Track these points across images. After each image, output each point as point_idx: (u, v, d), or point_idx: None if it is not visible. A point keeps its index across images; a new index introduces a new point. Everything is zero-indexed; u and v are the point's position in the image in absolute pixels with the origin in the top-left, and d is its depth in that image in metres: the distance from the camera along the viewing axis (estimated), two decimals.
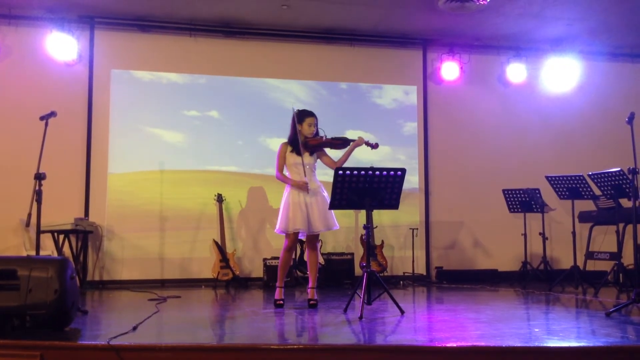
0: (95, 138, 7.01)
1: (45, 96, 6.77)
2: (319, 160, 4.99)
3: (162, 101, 7.27)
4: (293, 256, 6.20)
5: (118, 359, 2.95)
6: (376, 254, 7.01)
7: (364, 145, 4.87)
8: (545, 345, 3.03)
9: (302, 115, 4.92)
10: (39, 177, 4.24)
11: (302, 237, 4.95)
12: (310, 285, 4.89)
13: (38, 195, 4.22)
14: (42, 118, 4.52)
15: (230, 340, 3.48)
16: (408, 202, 7.60)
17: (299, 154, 4.85)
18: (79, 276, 6.41)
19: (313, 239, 4.90)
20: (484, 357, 2.89)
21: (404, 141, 7.80)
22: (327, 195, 4.79)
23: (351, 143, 4.87)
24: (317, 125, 4.93)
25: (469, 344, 3.02)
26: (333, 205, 4.48)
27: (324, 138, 4.88)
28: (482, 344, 3.05)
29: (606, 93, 7.98)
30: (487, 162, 7.84)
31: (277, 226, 4.83)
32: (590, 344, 3.07)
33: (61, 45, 6.78)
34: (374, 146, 4.85)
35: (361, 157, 6.78)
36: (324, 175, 6.74)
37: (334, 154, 5.04)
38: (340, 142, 4.87)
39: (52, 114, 4.57)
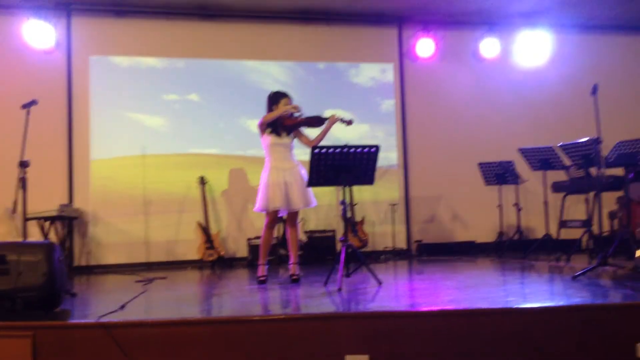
0: (76, 125, 7.08)
1: (24, 84, 6.82)
2: (296, 139, 5.12)
3: (141, 86, 7.34)
4: (275, 234, 6.36)
5: (108, 336, 3.09)
6: (357, 230, 7.19)
7: (339, 122, 5.01)
8: (509, 306, 3.23)
9: (277, 96, 5.05)
10: (23, 164, 4.33)
11: (282, 214, 5.11)
12: (291, 261, 5.07)
13: (23, 182, 4.32)
14: (24, 106, 4.61)
15: (216, 315, 3.63)
16: (387, 178, 7.78)
17: (277, 134, 4.98)
18: (66, 262, 6.51)
19: (293, 217, 5.06)
20: (453, 319, 3.08)
21: (382, 118, 7.95)
22: (305, 173, 4.94)
23: (326, 121, 5.00)
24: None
25: (440, 307, 3.21)
26: (311, 183, 4.65)
27: (299, 118, 5.01)
28: (452, 307, 3.24)
29: (576, 65, 8.15)
30: (463, 136, 8.02)
31: (257, 205, 4.97)
32: (552, 305, 3.27)
33: (38, 33, 6.81)
34: (349, 122, 4.99)
35: (339, 135, 6.93)
36: (304, 154, 6.89)
37: (312, 133, 5.18)
38: (316, 121, 5.00)
39: (34, 102, 4.66)
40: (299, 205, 4.91)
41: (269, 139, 4.98)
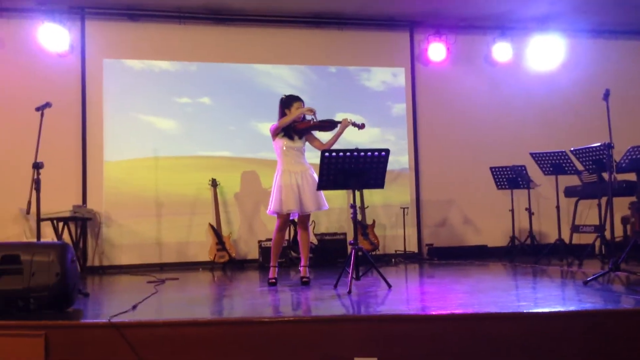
0: (89, 127, 7.16)
1: (39, 87, 6.90)
2: (307, 143, 5.14)
3: (154, 89, 7.40)
4: (286, 237, 6.39)
5: (119, 336, 3.13)
6: (368, 233, 7.20)
7: (351, 126, 5.01)
8: (519, 311, 3.22)
9: (289, 100, 5.07)
10: (37, 166, 4.39)
11: (294, 217, 5.13)
12: (302, 263, 5.08)
13: (37, 183, 4.38)
14: (37, 109, 4.68)
15: (227, 316, 3.65)
16: (399, 182, 7.79)
17: (290, 138, 5.01)
18: (79, 262, 6.58)
19: (304, 220, 5.07)
20: (462, 322, 3.08)
21: (393, 122, 7.95)
22: (316, 177, 4.95)
23: (338, 125, 5.01)
24: None
25: (449, 311, 3.21)
26: (321, 186, 4.66)
27: (312, 121, 5.03)
28: (461, 311, 3.24)
29: (589, 70, 8.12)
30: (474, 140, 8.01)
31: (270, 207, 4.99)
32: (563, 310, 3.25)
33: (53, 36, 6.89)
34: (361, 126, 4.99)
35: (350, 139, 6.94)
36: (315, 158, 6.92)
37: (324, 137, 5.19)
38: (328, 125, 5.02)
39: (47, 104, 4.73)
40: (311, 208, 4.92)
41: (281, 142, 5.01)
